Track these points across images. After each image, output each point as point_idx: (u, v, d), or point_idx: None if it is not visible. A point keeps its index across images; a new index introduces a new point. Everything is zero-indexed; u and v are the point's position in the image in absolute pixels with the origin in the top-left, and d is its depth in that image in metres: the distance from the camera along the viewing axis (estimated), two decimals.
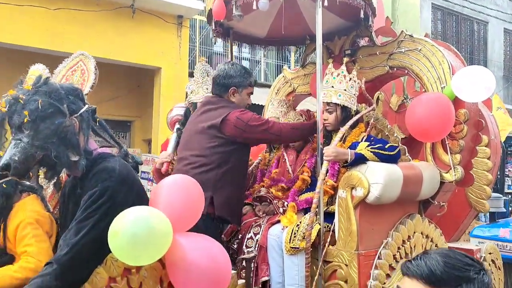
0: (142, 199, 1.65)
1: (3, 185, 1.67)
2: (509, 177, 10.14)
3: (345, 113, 2.75)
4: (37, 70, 1.99)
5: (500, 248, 4.63)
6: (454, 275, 1.08)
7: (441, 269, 1.09)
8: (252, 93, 2.81)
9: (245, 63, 12.62)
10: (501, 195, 5.21)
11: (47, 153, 1.58)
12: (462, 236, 3.57)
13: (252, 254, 2.18)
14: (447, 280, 1.08)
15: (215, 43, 10.19)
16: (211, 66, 11.56)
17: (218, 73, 2.74)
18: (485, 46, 15.37)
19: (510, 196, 10.52)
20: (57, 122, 1.59)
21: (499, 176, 11.27)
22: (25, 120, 1.56)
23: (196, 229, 1.69)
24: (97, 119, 1.75)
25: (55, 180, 1.71)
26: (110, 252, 1.48)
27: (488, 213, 5.18)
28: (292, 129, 2.81)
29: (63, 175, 1.87)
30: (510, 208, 8.41)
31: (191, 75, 8.97)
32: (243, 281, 1.85)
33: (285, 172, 3.14)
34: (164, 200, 1.60)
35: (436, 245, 2.74)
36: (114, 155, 1.71)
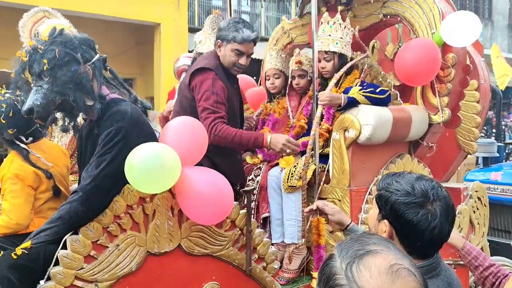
0: (152, 138, 1.84)
1: None
2: (507, 126, 10.29)
3: (342, 60, 2.88)
4: (63, 24, 2.13)
5: (492, 190, 4.88)
6: (388, 190, 1.35)
7: (388, 180, 1.40)
8: (237, 50, 2.58)
9: (245, 17, 12.50)
10: (494, 141, 5.39)
11: (65, 98, 1.75)
12: (452, 177, 3.78)
13: (252, 187, 2.39)
14: (381, 190, 1.38)
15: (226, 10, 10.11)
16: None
17: (220, 23, 2.75)
18: None
19: (511, 146, 10.73)
20: (73, 69, 1.75)
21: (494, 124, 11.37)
22: (45, 68, 1.71)
23: None
24: (108, 68, 1.91)
25: (73, 124, 1.88)
26: (127, 183, 1.69)
27: (482, 158, 5.38)
28: (231, 141, 2.41)
29: (81, 120, 2.05)
30: (504, 153, 8.64)
31: (190, 30, 8.98)
32: (245, 210, 2.06)
33: (286, 117, 3.31)
34: (172, 137, 1.79)
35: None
36: (126, 100, 1.89)
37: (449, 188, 3.41)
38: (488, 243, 3.53)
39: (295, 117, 3.25)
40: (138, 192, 1.75)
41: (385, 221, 1.32)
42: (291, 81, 3.27)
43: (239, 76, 2.94)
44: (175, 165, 1.68)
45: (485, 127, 10.63)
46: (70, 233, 1.66)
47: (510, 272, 1.86)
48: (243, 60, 2.63)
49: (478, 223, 3.36)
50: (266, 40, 8.22)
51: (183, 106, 2.60)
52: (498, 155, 5.23)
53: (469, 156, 5.37)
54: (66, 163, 2.19)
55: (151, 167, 1.62)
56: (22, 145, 1.99)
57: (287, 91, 3.36)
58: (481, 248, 3.31)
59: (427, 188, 1.29)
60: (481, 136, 8.84)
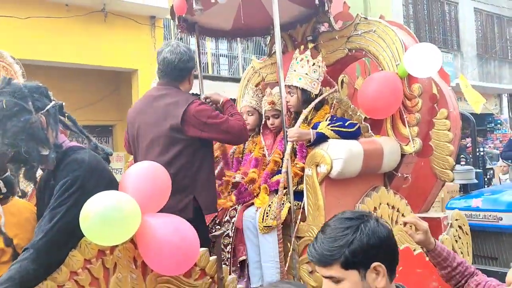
0: (113, 185, 1.76)
1: None
2: (485, 152, 10.44)
3: (305, 95, 2.89)
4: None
5: (474, 217, 4.84)
6: (337, 247, 1.19)
7: (326, 247, 1.20)
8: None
9: (223, 59, 12.74)
10: (472, 167, 5.42)
11: (17, 150, 1.68)
12: (433, 205, 3.75)
13: (221, 231, 2.30)
14: (334, 255, 1.19)
15: (203, 53, 10.28)
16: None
17: (179, 56, 2.47)
18: (457, 26, 15.70)
19: (492, 171, 10.84)
20: (23, 119, 1.68)
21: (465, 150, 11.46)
22: None
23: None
24: (66, 114, 1.85)
25: (30, 176, 1.79)
26: (84, 236, 1.60)
27: (461, 185, 5.39)
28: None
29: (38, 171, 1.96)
30: (486, 179, 8.69)
31: None
32: (215, 257, 1.96)
33: (263, 156, 3.27)
34: (132, 184, 1.72)
35: (402, 215, 2.89)
36: (84, 147, 1.82)
37: (429, 218, 3.35)
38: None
39: (270, 154, 3.21)
40: (97, 245, 1.65)
41: (373, 267, 1.22)
42: (265, 121, 3.25)
43: None
44: (133, 213, 1.60)
45: (463, 155, 10.76)
46: None
47: (477, 269, 1.79)
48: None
49: (462, 252, 3.30)
50: None
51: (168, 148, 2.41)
52: (476, 181, 5.24)
53: (452, 184, 5.40)
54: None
55: (107, 216, 1.54)
56: None
57: (261, 130, 3.34)
58: None
59: (354, 212, 1.31)
60: (462, 164, 8.92)
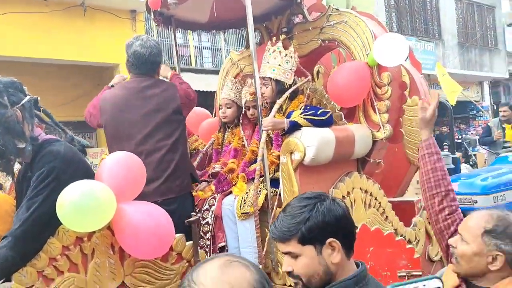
0: (89, 176, 1.83)
1: None
2: (465, 138, 10.66)
3: (280, 86, 2.97)
4: None
5: None
6: (294, 224, 1.27)
7: (285, 224, 1.29)
8: None
9: (206, 52, 12.74)
10: (448, 153, 5.59)
11: None
12: (406, 190, 3.88)
13: (196, 217, 2.38)
14: (291, 231, 1.27)
15: (186, 47, 10.27)
16: (171, 56, 11.55)
17: (149, 50, 2.60)
18: (438, 15, 15.89)
19: (474, 157, 11.09)
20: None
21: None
22: None
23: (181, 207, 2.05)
24: (41, 108, 1.91)
25: (9, 169, 1.85)
26: (61, 224, 1.67)
27: None
28: None
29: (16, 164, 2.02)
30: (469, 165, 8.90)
31: None
32: (192, 242, 2.05)
33: (242, 145, 3.34)
34: (107, 174, 1.79)
35: (375, 198, 3.01)
36: (60, 140, 1.88)
37: (404, 201, 3.50)
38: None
39: (249, 145, 3.29)
40: (75, 232, 1.72)
41: (329, 242, 1.29)
42: (245, 111, 3.32)
43: (195, 108, 3.11)
44: (108, 201, 1.67)
45: (446, 143, 10.98)
46: (2, 280, 1.61)
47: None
48: None
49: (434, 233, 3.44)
50: None
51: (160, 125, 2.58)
52: (453, 166, 5.40)
53: None
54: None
55: (83, 204, 1.61)
56: None
57: (240, 121, 3.41)
58: (441, 258, 3.37)
59: (310, 194, 1.38)
60: (445, 151, 9.12)
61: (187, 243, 2.05)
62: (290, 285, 2.60)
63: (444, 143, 10.21)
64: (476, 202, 4.88)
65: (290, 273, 1.34)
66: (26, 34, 7.10)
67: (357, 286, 1.30)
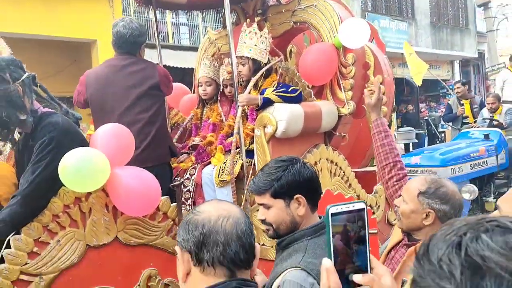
0: (84, 145, 2.07)
1: None
2: (430, 115, 11.18)
3: (256, 65, 3.22)
4: None
5: (413, 173, 5.42)
6: (268, 181, 1.55)
7: (261, 180, 1.57)
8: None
9: (184, 28, 12.73)
10: (412, 128, 5.99)
11: None
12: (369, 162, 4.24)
13: (180, 182, 2.65)
14: (265, 186, 1.55)
15: (163, 23, 10.27)
16: (148, 33, 11.51)
17: (130, 31, 2.79)
18: None
19: (443, 135, 11.64)
20: (3, 88, 1.95)
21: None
22: None
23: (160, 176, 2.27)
24: (38, 84, 2.12)
25: (10, 138, 2.07)
26: (62, 185, 1.92)
27: (403, 144, 5.96)
28: None
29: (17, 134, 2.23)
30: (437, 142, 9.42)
31: None
32: (175, 203, 2.33)
33: (220, 121, 3.60)
34: (101, 142, 2.04)
35: (340, 168, 3.34)
36: (57, 112, 2.11)
37: (366, 171, 3.85)
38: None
39: (227, 120, 3.55)
40: (74, 193, 1.98)
41: (296, 198, 1.56)
42: (223, 89, 3.57)
43: (174, 84, 3.33)
44: (103, 165, 1.93)
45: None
46: (12, 233, 1.86)
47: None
48: None
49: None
50: None
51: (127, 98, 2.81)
52: (416, 141, 5.80)
53: (398, 145, 5.92)
54: (14, 181, 2.33)
55: (81, 168, 1.86)
56: None
57: (218, 98, 3.66)
58: None
59: (286, 157, 1.64)
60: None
61: (172, 204, 2.33)
62: (263, 244, 2.93)
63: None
64: (436, 174, 5.31)
65: (263, 221, 1.63)
66: (3, 8, 7.06)
67: (315, 234, 1.60)
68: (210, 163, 3.25)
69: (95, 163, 1.89)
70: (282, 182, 1.57)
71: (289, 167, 1.59)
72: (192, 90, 4.30)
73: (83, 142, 2.09)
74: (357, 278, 0.81)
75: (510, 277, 0.48)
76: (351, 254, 0.82)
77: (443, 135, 11.36)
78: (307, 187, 1.61)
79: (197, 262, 1.00)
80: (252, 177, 3.06)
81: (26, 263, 1.86)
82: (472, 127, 6.69)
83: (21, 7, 7.25)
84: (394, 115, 12.98)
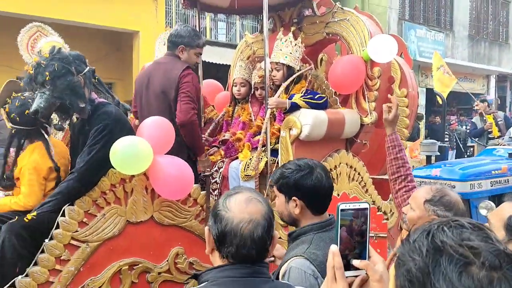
0: (131, 133, 2.38)
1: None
2: (460, 130, 11.11)
3: (290, 71, 3.47)
4: (52, 41, 2.64)
5: (433, 185, 5.55)
6: (278, 177, 1.78)
7: (275, 175, 1.81)
8: (200, 53, 3.26)
9: (221, 24, 13.05)
10: (435, 141, 6.09)
11: (63, 101, 2.27)
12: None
13: (210, 173, 2.93)
14: (275, 180, 1.80)
15: (203, 18, 10.64)
16: (188, 27, 11.89)
17: (172, 32, 3.19)
18: (451, 6, 16.01)
19: (472, 149, 11.55)
20: (69, 79, 2.27)
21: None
22: (47, 79, 2.23)
23: None
24: (96, 77, 2.44)
25: (69, 122, 2.40)
26: (112, 167, 2.23)
27: (425, 156, 6.07)
28: (192, 133, 2.91)
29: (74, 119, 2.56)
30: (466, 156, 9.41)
31: None
32: (205, 191, 2.62)
33: (250, 120, 3.88)
34: (147, 132, 2.34)
35: (358, 173, 3.55)
36: (110, 103, 2.42)
37: (384, 179, 4.03)
38: None
39: (256, 120, 3.82)
40: (120, 174, 2.28)
41: (293, 199, 1.77)
42: (254, 91, 3.84)
43: (207, 80, 3.54)
44: (148, 153, 2.23)
45: (447, 132, 11.41)
46: (67, 204, 2.18)
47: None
48: (199, 60, 3.33)
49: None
50: None
51: (160, 101, 2.96)
52: (439, 153, 5.91)
53: (421, 157, 6.05)
54: (68, 157, 2.67)
55: (129, 153, 2.16)
56: (47, 137, 2.45)
57: (249, 99, 3.92)
58: None
59: (307, 162, 1.82)
60: (446, 141, 9.59)
61: (202, 192, 2.61)
62: (280, 237, 3.18)
63: (446, 133, 10.70)
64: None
65: None
66: None
67: (321, 229, 1.78)
68: (237, 158, 3.53)
69: (141, 150, 2.19)
70: (285, 182, 1.78)
71: (298, 172, 1.78)
72: (226, 88, 4.59)
73: (131, 130, 2.40)
74: (356, 262, 1.02)
75: (459, 257, 0.72)
76: (354, 243, 1.02)
77: (471, 149, 11.29)
78: (307, 193, 1.77)
79: (217, 248, 1.21)
80: None
81: (76, 231, 2.18)
82: (498, 144, 6.72)
83: None
84: (423, 126, 12.97)
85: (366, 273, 1.01)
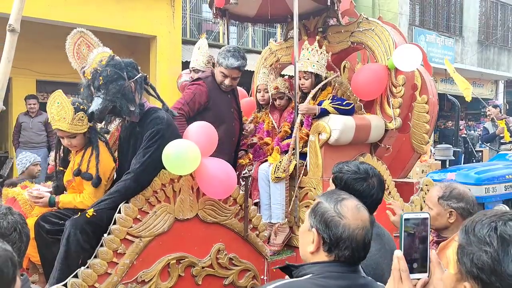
0: (180, 137, 2.55)
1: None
2: (472, 135, 11.21)
3: (318, 79, 3.64)
4: (106, 52, 2.82)
5: None
6: (335, 170, 1.98)
7: (334, 167, 1.99)
8: (223, 74, 3.31)
9: (232, 29, 13.26)
10: (450, 146, 6.23)
11: (115, 105, 2.45)
12: (408, 174, 4.57)
13: (249, 174, 3.11)
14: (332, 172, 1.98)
15: (215, 24, 10.88)
16: (200, 32, 12.12)
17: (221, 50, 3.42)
18: (461, 12, 16.13)
19: (480, 154, 11.66)
20: (120, 83, 2.44)
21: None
22: (101, 83, 2.42)
23: None
24: (149, 83, 2.61)
25: (118, 124, 2.59)
26: (163, 168, 2.40)
27: (440, 161, 6.22)
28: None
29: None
30: (474, 160, 9.52)
31: (184, 42, 9.70)
32: (243, 192, 2.79)
33: (272, 127, 4.05)
34: (194, 136, 2.52)
35: (382, 176, 3.70)
36: (161, 108, 2.60)
37: (405, 182, 4.19)
38: None
39: (280, 126, 3.99)
40: (170, 174, 2.46)
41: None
42: (272, 101, 4.00)
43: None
44: (197, 155, 2.40)
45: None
46: (124, 202, 2.36)
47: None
48: (227, 81, 3.34)
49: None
50: (255, 52, 8.97)
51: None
52: (454, 158, 6.05)
53: (435, 161, 6.18)
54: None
55: (180, 156, 2.34)
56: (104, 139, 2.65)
57: (269, 109, 4.09)
58: None
59: (367, 168, 1.97)
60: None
61: (241, 192, 2.78)
62: None
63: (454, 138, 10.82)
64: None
65: None
66: (77, 1, 7.75)
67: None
68: (266, 161, 3.70)
69: (191, 153, 2.36)
70: (340, 177, 1.97)
71: (354, 174, 1.93)
72: (249, 94, 4.77)
73: (179, 135, 2.57)
74: (433, 254, 1.15)
75: None
76: (415, 248, 1.17)
77: (480, 154, 11.39)
78: (354, 195, 1.89)
79: (327, 249, 1.31)
80: (303, 176, 3.49)
81: (131, 227, 2.36)
82: (510, 149, 6.84)
83: (92, 1, 7.93)
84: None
85: (428, 276, 1.16)
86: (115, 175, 2.66)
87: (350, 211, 1.34)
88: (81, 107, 2.48)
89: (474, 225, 0.99)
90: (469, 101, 7.36)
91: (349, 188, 1.89)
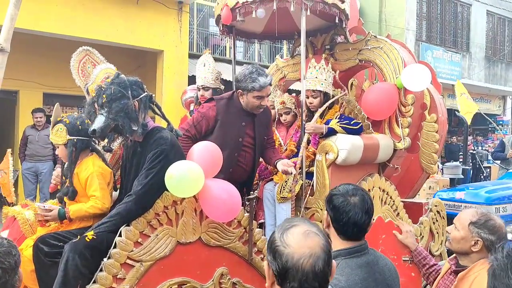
0: (184, 157, 2.49)
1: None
2: (487, 151, 11.05)
3: (326, 97, 3.58)
4: (110, 68, 2.80)
5: (457, 207, 5.58)
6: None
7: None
8: (259, 96, 3.11)
9: (239, 44, 13.30)
10: (459, 164, 6.12)
11: (117, 123, 2.40)
12: (417, 194, 4.47)
13: (254, 195, 3.02)
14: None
15: (221, 40, 10.91)
16: (206, 46, 12.15)
17: (235, 74, 3.29)
18: (468, 27, 16.11)
19: (488, 170, 11.49)
20: (123, 102, 2.40)
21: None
22: (104, 101, 2.38)
23: None
24: (154, 102, 2.57)
25: (121, 143, 2.55)
26: (165, 190, 2.33)
27: (448, 179, 6.11)
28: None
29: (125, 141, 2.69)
30: (482, 177, 9.38)
31: (190, 56, 9.72)
32: (248, 214, 2.71)
33: (279, 144, 3.99)
34: (197, 157, 2.45)
35: (390, 197, 3.62)
36: (165, 128, 2.54)
37: (414, 203, 4.10)
38: (446, 250, 4.19)
39: (286, 144, 3.93)
40: (172, 197, 2.39)
41: (325, 211, 1.86)
42: (278, 117, 3.95)
43: None
44: (200, 177, 2.33)
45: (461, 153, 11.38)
46: (125, 225, 2.29)
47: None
48: (264, 102, 3.19)
49: (437, 233, 4.03)
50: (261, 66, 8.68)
51: None
52: (463, 177, 5.94)
53: (438, 177, 6.07)
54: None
55: (183, 177, 2.27)
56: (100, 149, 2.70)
57: (274, 126, 4.03)
58: (440, 254, 3.97)
59: (351, 188, 1.84)
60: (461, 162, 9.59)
61: (245, 214, 2.70)
62: None
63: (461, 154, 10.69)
64: (506, 227, 5.42)
65: None
66: (84, 15, 7.79)
67: (349, 255, 1.75)
68: (271, 180, 3.63)
69: (194, 175, 2.29)
70: (328, 198, 1.86)
71: (338, 195, 1.82)
72: None
73: (183, 156, 2.51)
74: None
75: None
76: None
77: (488, 170, 11.21)
78: (333, 212, 1.81)
79: (280, 282, 1.22)
80: (309, 196, 3.41)
81: (132, 250, 2.28)
82: None
83: (99, 16, 7.96)
84: None
85: None
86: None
87: (296, 239, 1.22)
88: (63, 119, 2.64)
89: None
90: (469, 124, 7.24)
91: (329, 205, 1.82)
